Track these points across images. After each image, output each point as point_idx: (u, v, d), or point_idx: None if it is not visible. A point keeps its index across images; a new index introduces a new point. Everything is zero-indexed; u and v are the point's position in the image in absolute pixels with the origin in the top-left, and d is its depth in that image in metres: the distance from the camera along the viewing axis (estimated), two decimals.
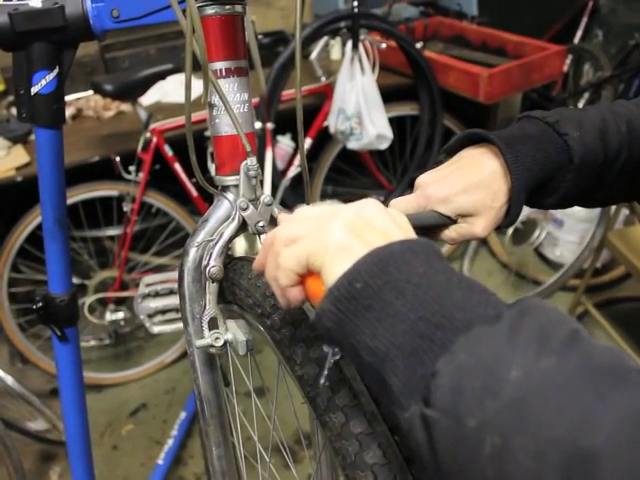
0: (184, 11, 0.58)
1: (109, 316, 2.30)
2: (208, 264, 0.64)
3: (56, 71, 0.88)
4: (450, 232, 0.70)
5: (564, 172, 0.70)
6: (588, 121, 0.72)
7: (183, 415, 2.12)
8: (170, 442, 2.04)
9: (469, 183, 0.67)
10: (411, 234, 0.50)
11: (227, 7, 0.62)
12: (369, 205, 0.50)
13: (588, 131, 0.70)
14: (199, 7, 0.61)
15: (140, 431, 2.18)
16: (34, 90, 0.88)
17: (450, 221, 0.69)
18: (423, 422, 0.38)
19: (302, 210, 0.53)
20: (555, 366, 0.35)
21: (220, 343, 0.65)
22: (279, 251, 0.50)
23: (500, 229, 0.73)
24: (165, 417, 2.22)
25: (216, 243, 0.65)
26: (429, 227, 0.69)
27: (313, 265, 0.47)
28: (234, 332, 0.66)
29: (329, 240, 0.47)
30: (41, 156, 0.95)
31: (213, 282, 0.65)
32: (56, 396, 2.28)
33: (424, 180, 0.70)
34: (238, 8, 0.63)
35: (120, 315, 2.30)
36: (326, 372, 0.48)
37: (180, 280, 0.68)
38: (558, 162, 0.69)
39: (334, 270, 0.45)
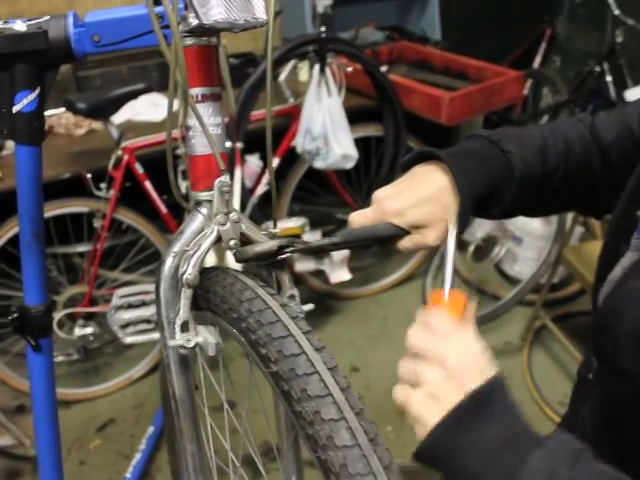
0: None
1: (78, 331, 2.31)
2: (185, 272, 0.70)
3: (37, 91, 0.92)
4: (405, 242, 0.76)
5: (507, 185, 0.77)
6: (529, 139, 0.80)
7: (151, 429, 2.15)
8: (138, 456, 2.06)
9: (421, 197, 0.74)
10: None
11: (204, 39, 0.69)
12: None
13: (528, 148, 0.78)
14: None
15: (108, 446, 2.20)
16: (16, 109, 0.92)
17: (404, 232, 0.75)
18: None
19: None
20: None
21: (191, 344, 0.70)
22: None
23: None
24: (133, 432, 2.24)
25: (194, 253, 0.71)
26: (385, 238, 0.75)
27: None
28: (205, 336, 0.72)
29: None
30: (21, 172, 0.99)
31: (189, 288, 0.70)
32: (22, 413, 2.29)
33: (380, 195, 0.77)
34: (213, 40, 0.70)
35: (89, 330, 2.32)
36: None
37: (157, 287, 0.73)
38: (501, 176, 0.77)
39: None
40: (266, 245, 0.70)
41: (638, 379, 0.63)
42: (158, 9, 0.66)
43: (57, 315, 2.27)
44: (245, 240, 0.75)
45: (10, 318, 1.12)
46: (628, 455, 0.69)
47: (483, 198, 0.77)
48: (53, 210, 2.13)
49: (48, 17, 0.89)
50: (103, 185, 2.18)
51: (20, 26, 0.87)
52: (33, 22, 0.88)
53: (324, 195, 2.86)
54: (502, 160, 0.77)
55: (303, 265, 2.61)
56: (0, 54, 0.87)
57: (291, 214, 2.69)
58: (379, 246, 0.79)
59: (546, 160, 0.79)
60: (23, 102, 0.92)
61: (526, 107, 3.83)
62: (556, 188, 0.81)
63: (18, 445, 2.11)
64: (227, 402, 0.83)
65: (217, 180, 0.72)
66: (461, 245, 3.11)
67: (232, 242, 0.73)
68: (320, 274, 2.73)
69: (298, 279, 2.73)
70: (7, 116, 0.93)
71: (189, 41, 0.68)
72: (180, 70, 0.61)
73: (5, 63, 0.89)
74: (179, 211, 2.29)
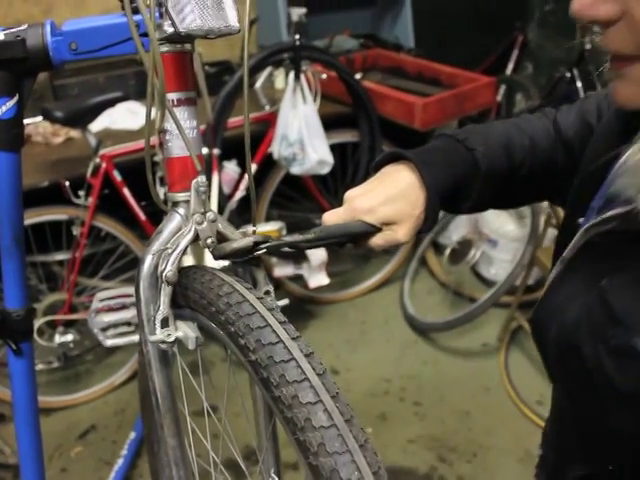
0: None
1: (58, 338, 2.32)
2: (165, 269, 0.72)
3: (16, 98, 0.94)
4: (377, 239, 0.80)
5: (473, 181, 0.81)
6: (494, 137, 0.84)
7: (133, 435, 2.15)
8: (120, 462, 2.07)
9: (390, 195, 0.78)
10: None
11: (178, 46, 0.72)
12: None
13: (493, 146, 0.83)
14: None
15: (89, 453, 2.20)
16: None
17: (376, 229, 0.79)
18: None
19: None
20: None
21: (171, 339, 0.73)
22: None
23: (421, 234, 0.83)
24: (115, 438, 2.24)
25: (173, 251, 0.74)
26: (358, 235, 0.79)
27: None
28: (184, 330, 0.74)
29: None
30: (0, 178, 1.01)
31: (168, 285, 0.73)
32: (2, 421, 2.28)
33: (351, 194, 0.80)
34: (187, 46, 0.73)
35: (69, 337, 2.33)
36: None
37: (137, 286, 0.75)
38: (467, 173, 0.81)
39: None
40: (242, 241, 0.72)
41: (565, 387, 0.68)
42: (135, 17, 0.69)
43: (37, 323, 2.27)
44: (221, 239, 0.78)
45: None
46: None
47: (451, 193, 0.81)
48: (32, 218, 2.14)
49: (26, 26, 0.91)
50: (81, 193, 2.20)
51: None
52: (11, 31, 0.90)
53: (301, 201, 2.89)
54: (467, 157, 0.80)
55: (282, 270, 2.64)
56: None
57: (269, 219, 2.71)
58: (352, 244, 0.82)
59: (511, 156, 0.83)
60: (2, 109, 0.94)
61: (500, 112, 3.90)
62: (523, 182, 0.86)
63: None
64: (208, 405, 0.85)
65: (194, 181, 0.75)
66: (438, 248, 3.17)
67: (209, 240, 0.76)
68: (299, 279, 2.76)
69: (277, 284, 2.76)
70: None
71: (165, 48, 0.71)
72: (158, 75, 0.63)
73: None
74: (158, 218, 2.31)
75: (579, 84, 3.29)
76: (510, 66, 3.97)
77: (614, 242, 0.62)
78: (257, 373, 0.61)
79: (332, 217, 0.80)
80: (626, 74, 0.58)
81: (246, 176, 2.50)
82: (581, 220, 0.70)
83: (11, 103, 0.94)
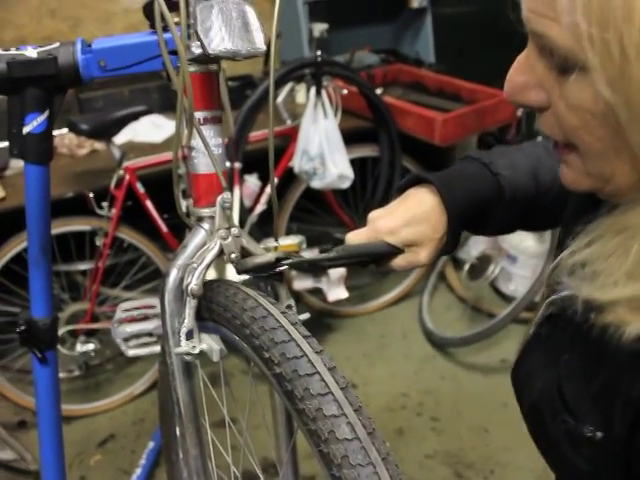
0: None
1: (80, 347, 2.35)
2: (190, 283, 0.74)
3: (47, 113, 0.97)
4: (399, 260, 0.81)
5: (498, 205, 0.81)
6: (521, 160, 0.84)
7: (151, 445, 2.17)
8: (138, 471, 2.09)
9: (412, 217, 0.79)
10: None
11: (205, 66, 0.74)
12: None
13: (520, 170, 0.83)
14: None
15: (108, 461, 2.22)
16: (26, 130, 0.97)
17: (398, 250, 0.80)
18: None
19: None
20: None
21: (196, 351, 0.74)
22: None
23: (441, 256, 0.84)
24: (133, 447, 2.26)
25: (198, 265, 0.75)
26: (380, 255, 0.80)
27: None
28: (208, 343, 0.76)
29: None
30: (30, 190, 1.03)
31: (193, 298, 0.75)
32: (24, 428, 2.32)
33: (374, 215, 0.82)
34: (214, 67, 0.75)
35: (90, 346, 2.36)
36: None
37: (162, 298, 0.77)
38: (491, 198, 0.81)
39: None
40: (265, 257, 0.74)
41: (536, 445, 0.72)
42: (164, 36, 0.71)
43: (59, 331, 2.30)
44: (245, 254, 0.79)
45: (17, 331, 1.15)
46: None
47: (474, 216, 0.81)
48: (56, 228, 2.17)
49: (58, 44, 0.94)
50: (105, 204, 2.23)
51: (31, 52, 0.92)
52: (43, 49, 0.93)
53: (322, 215, 2.91)
54: (491, 181, 0.81)
55: (301, 283, 2.65)
56: (12, 79, 0.91)
57: (289, 233, 2.73)
58: (375, 265, 0.84)
59: (539, 181, 0.83)
60: (33, 124, 0.97)
61: (520, 128, 3.88)
62: (551, 205, 0.85)
63: (20, 460, 2.14)
64: (228, 417, 0.87)
65: (219, 197, 0.77)
66: (457, 264, 3.17)
67: (233, 255, 0.78)
68: (318, 292, 2.76)
69: (296, 297, 2.77)
70: (18, 137, 0.98)
71: (192, 68, 0.73)
72: (187, 95, 0.66)
73: (17, 87, 0.93)
74: (179, 230, 2.34)
75: None
76: None
77: (570, 321, 0.61)
78: (281, 386, 0.62)
79: (355, 237, 0.81)
80: (566, 160, 0.59)
81: (267, 190, 2.52)
82: None
83: (42, 118, 0.97)
